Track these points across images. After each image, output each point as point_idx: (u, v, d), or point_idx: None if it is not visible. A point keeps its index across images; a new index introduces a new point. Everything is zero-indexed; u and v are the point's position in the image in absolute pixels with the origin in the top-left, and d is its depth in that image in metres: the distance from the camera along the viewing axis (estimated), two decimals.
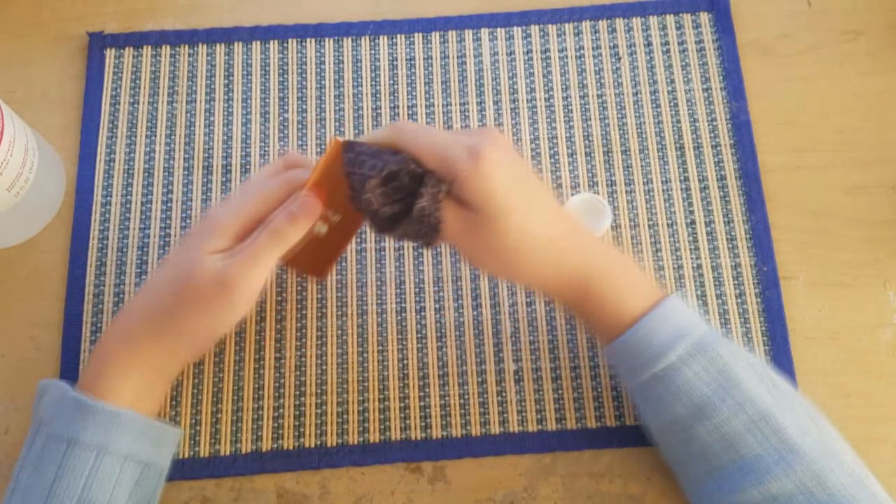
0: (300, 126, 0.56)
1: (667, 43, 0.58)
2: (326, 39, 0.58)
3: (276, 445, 0.49)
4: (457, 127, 0.56)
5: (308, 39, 0.58)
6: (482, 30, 0.58)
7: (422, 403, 0.50)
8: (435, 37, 0.58)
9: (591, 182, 0.54)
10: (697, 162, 0.55)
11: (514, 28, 0.58)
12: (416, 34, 0.58)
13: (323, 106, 0.57)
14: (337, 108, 0.57)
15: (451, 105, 0.56)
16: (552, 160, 0.55)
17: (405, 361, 0.51)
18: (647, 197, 0.54)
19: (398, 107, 0.56)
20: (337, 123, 0.56)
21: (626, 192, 0.54)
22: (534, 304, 0.52)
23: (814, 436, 0.39)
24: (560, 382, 0.50)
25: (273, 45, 0.58)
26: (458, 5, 0.59)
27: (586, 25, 0.58)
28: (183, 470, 0.48)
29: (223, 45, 0.58)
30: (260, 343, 0.51)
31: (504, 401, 0.50)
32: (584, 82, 0.57)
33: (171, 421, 0.49)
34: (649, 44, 0.58)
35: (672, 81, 0.57)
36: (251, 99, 0.57)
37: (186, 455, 0.49)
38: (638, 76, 0.57)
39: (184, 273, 0.42)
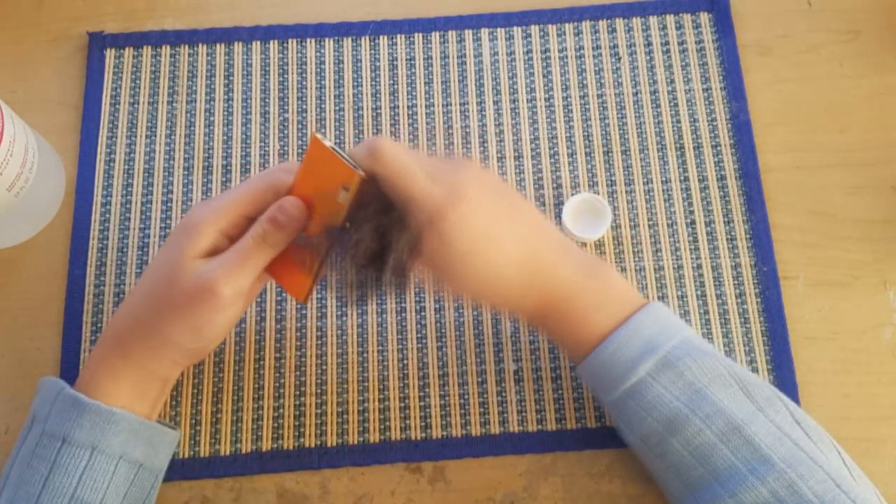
0: (300, 126, 0.56)
1: (667, 43, 0.58)
2: (326, 39, 0.58)
3: (276, 445, 0.49)
4: (457, 127, 0.56)
5: (308, 39, 0.58)
6: (482, 30, 0.58)
7: (422, 403, 0.50)
8: (435, 37, 0.58)
9: (591, 182, 0.54)
10: (697, 162, 0.55)
11: (514, 28, 0.58)
12: (416, 34, 0.58)
13: (323, 106, 0.57)
14: (337, 108, 0.57)
15: (451, 105, 0.56)
16: (552, 160, 0.55)
17: (405, 361, 0.51)
18: (647, 197, 0.54)
19: (398, 107, 0.56)
20: (337, 123, 0.56)
21: (626, 192, 0.54)
22: None
23: (786, 445, 0.39)
24: (560, 382, 0.50)
25: (273, 45, 0.58)
26: (458, 5, 0.59)
27: (586, 25, 0.58)
28: (183, 470, 0.48)
29: (223, 45, 0.58)
30: (260, 343, 0.51)
31: (504, 401, 0.50)
32: (584, 82, 0.57)
33: (170, 422, 0.49)
34: (649, 44, 0.58)
35: (672, 81, 0.57)
36: (251, 99, 0.57)
37: (186, 455, 0.49)
38: (638, 76, 0.57)
39: (166, 278, 0.41)
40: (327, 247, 0.42)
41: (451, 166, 0.41)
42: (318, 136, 0.41)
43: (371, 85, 0.57)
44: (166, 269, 0.41)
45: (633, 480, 0.48)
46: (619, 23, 0.58)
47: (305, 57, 0.58)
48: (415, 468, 0.49)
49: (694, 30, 0.58)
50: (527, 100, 0.56)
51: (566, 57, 0.58)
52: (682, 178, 0.54)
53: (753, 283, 0.52)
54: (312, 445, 0.49)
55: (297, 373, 0.50)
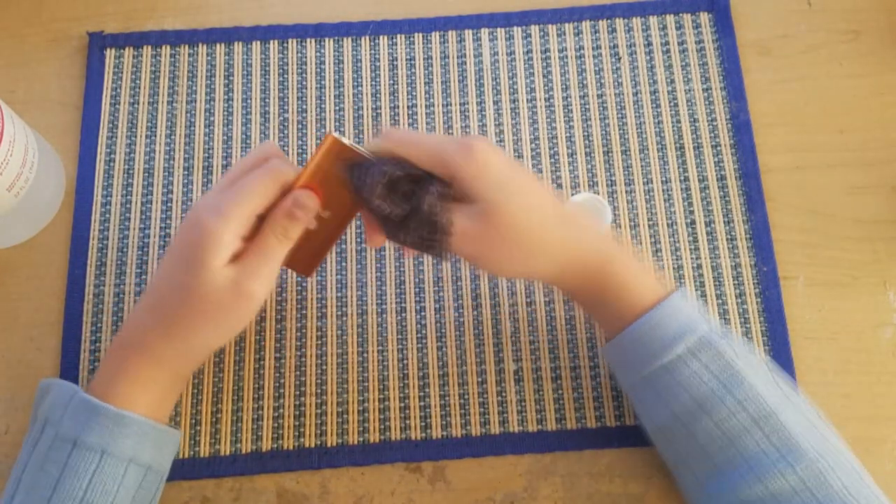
0: (300, 126, 0.56)
1: (667, 43, 0.58)
2: (326, 39, 0.58)
3: (276, 445, 0.49)
4: (457, 127, 0.56)
5: (308, 39, 0.58)
6: (482, 30, 0.58)
7: (422, 403, 0.50)
8: (435, 37, 0.58)
9: (591, 182, 0.54)
10: (697, 162, 0.55)
11: (514, 28, 0.58)
12: (416, 34, 0.58)
13: (323, 106, 0.57)
14: (337, 108, 0.57)
15: (451, 105, 0.56)
16: (552, 160, 0.55)
17: (405, 361, 0.51)
18: (647, 197, 0.54)
19: (398, 107, 0.56)
20: (337, 123, 0.56)
21: (626, 192, 0.54)
22: (534, 304, 0.52)
23: (815, 435, 0.39)
24: (560, 382, 0.50)
25: (273, 45, 0.58)
26: (458, 5, 0.59)
27: (586, 25, 0.58)
28: (183, 470, 0.48)
29: (223, 45, 0.58)
30: (260, 343, 0.51)
31: (504, 401, 0.50)
32: (584, 82, 0.57)
33: (171, 422, 0.49)
34: (649, 44, 0.58)
35: (672, 81, 0.57)
36: (251, 99, 0.57)
37: (186, 455, 0.49)
38: (638, 76, 0.57)
39: (199, 289, 0.41)
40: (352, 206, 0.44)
41: (454, 136, 0.44)
42: (336, 134, 0.42)
43: (371, 85, 0.57)
44: (192, 282, 0.41)
45: (634, 480, 0.48)
46: (619, 23, 0.58)
47: (305, 57, 0.58)
48: (415, 468, 0.49)
49: (694, 30, 0.58)
50: (527, 100, 0.56)
51: (566, 57, 0.58)
52: (682, 178, 0.54)
53: (753, 283, 0.52)
54: (312, 445, 0.49)
55: (297, 373, 0.50)
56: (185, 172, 0.55)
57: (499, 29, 0.58)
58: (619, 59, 0.57)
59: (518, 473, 0.48)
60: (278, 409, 0.50)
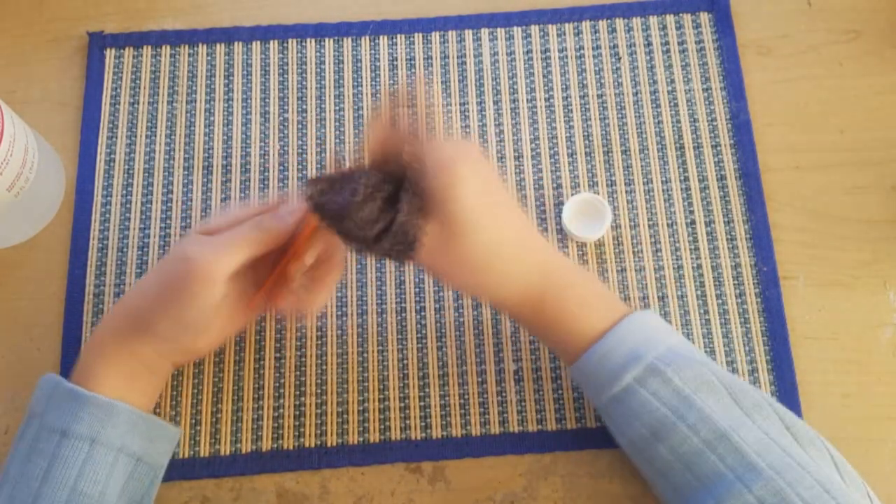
0: (300, 126, 0.56)
1: (667, 43, 0.58)
2: (326, 39, 0.58)
3: (276, 445, 0.49)
4: (457, 127, 0.56)
5: (308, 39, 0.58)
6: (482, 30, 0.58)
7: (422, 403, 0.50)
8: (435, 37, 0.58)
9: (591, 182, 0.54)
10: (697, 162, 0.55)
11: (514, 28, 0.58)
12: (416, 34, 0.58)
13: (323, 106, 0.57)
14: (337, 108, 0.57)
15: (451, 105, 0.56)
16: (552, 160, 0.55)
17: (405, 361, 0.51)
18: (647, 197, 0.54)
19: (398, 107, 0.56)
20: (337, 123, 0.56)
21: (626, 192, 0.54)
22: None
23: (774, 452, 0.38)
24: (560, 382, 0.50)
25: (273, 45, 0.58)
26: (458, 5, 0.59)
27: (586, 25, 0.58)
28: (183, 470, 0.48)
29: (223, 45, 0.58)
30: (260, 343, 0.51)
31: (504, 401, 0.50)
32: (584, 82, 0.57)
33: (170, 421, 0.49)
34: (649, 44, 0.58)
35: (672, 81, 0.57)
36: (251, 99, 0.57)
37: (186, 455, 0.49)
38: (638, 76, 0.57)
39: (185, 322, 0.42)
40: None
41: (445, 142, 0.43)
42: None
43: (371, 85, 0.57)
44: (179, 315, 0.42)
45: (633, 480, 0.48)
46: (619, 23, 0.58)
47: (305, 57, 0.58)
48: (415, 468, 0.49)
49: (694, 30, 0.58)
50: (527, 100, 0.56)
51: (566, 57, 0.58)
52: (682, 178, 0.54)
53: (753, 283, 0.52)
54: (312, 445, 0.49)
55: (297, 373, 0.50)
56: (185, 172, 0.55)
57: (499, 29, 0.58)
58: (619, 59, 0.57)
59: (518, 473, 0.48)
60: (278, 409, 0.50)
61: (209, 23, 0.59)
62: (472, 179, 0.41)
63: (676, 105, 0.56)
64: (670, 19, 0.58)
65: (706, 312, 0.51)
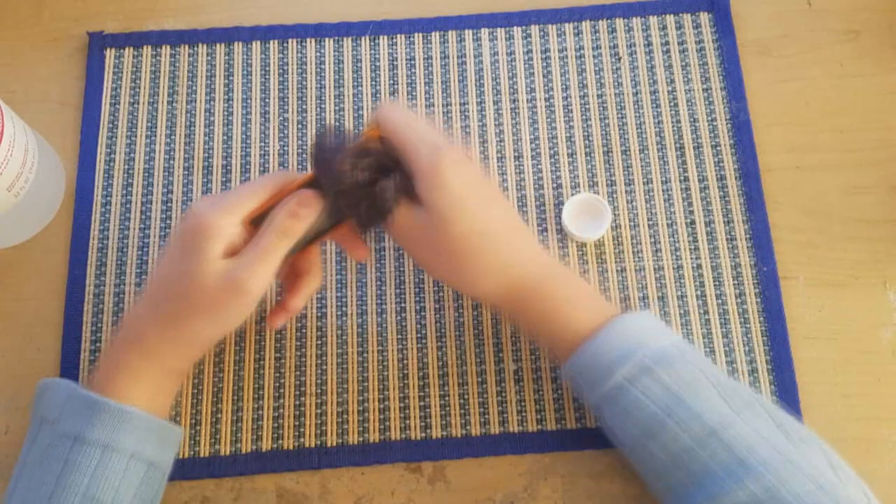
0: (300, 126, 0.56)
1: (667, 43, 0.58)
2: (326, 39, 0.58)
3: (276, 445, 0.49)
4: (457, 127, 0.56)
5: (308, 39, 0.58)
6: (482, 30, 0.58)
7: (422, 403, 0.50)
8: (435, 37, 0.58)
9: (591, 182, 0.54)
10: (697, 162, 0.55)
11: (514, 28, 0.58)
12: (416, 34, 0.58)
13: (323, 106, 0.57)
14: (337, 108, 0.57)
15: (451, 105, 0.56)
16: (552, 160, 0.55)
17: (405, 361, 0.51)
18: (647, 197, 0.54)
19: None
20: (337, 123, 0.56)
21: (626, 192, 0.54)
22: None
23: (765, 448, 0.38)
24: (560, 382, 0.50)
25: (273, 45, 0.58)
26: (458, 5, 0.59)
27: (586, 25, 0.58)
28: (183, 470, 0.48)
29: (223, 45, 0.58)
30: (260, 343, 0.51)
31: (504, 401, 0.50)
32: (584, 82, 0.57)
33: (172, 421, 0.49)
34: (649, 44, 0.58)
35: (672, 81, 0.57)
36: (251, 99, 0.57)
37: (186, 455, 0.49)
38: (638, 76, 0.57)
39: (190, 281, 0.42)
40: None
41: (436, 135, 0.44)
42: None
43: (371, 85, 0.57)
44: (194, 272, 0.41)
45: (633, 480, 0.48)
46: (619, 23, 0.58)
47: (305, 57, 0.58)
48: (415, 468, 0.49)
49: (694, 30, 0.58)
50: (527, 100, 0.56)
51: (566, 57, 0.58)
52: (682, 178, 0.54)
53: (753, 283, 0.52)
54: (312, 445, 0.49)
55: (297, 373, 0.50)
56: (185, 172, 0.55)
57: (499, 29, 0.58)
58: (619, 59, 0.57)
59: (518, 473, 0.48)
60: (278, 409, 0.50)
61: (209, 23, 0.59)
62: (462, 170, 0.41)
63: (676, 105, 0.56)
64: (670, 19, 0.58)
65: (706, 313, 0.51)
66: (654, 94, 0.56)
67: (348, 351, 0.51)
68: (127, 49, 0.58)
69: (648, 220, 0.53)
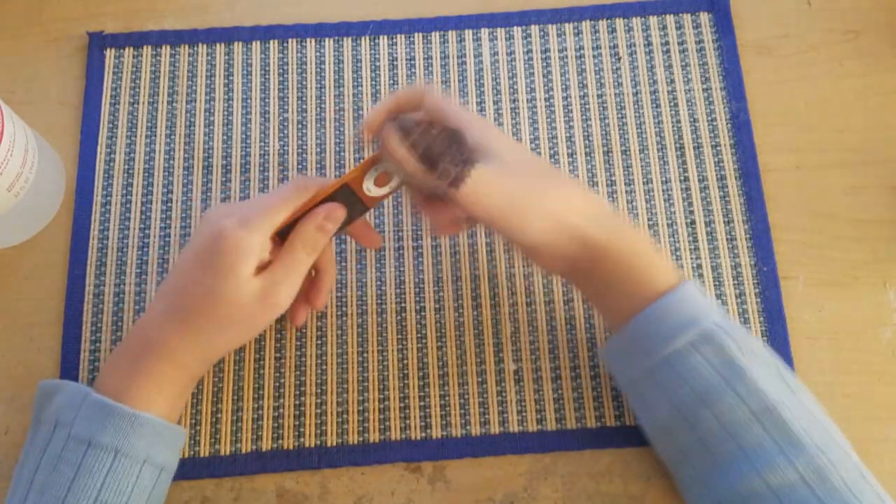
0: (300, 126, 0.56)
1: (667, 43, 0.58)
2: (326, 39, 0.58)
3: (276, 445, 0.49)
4: None
5: (308, 39, 0.58)
6: (482, 30, 0.58)
7: (422, 403, 0.50)
8: (435, 37, 0.58)
9: (591, 182, 0.54)
10: (697, 162, 0.55)
11: (514, 28, 0.58)
12: (416, 34, 0.58)
13: (323, 106, 0.57)
14: (337, 108, 0.57)
15: None
16: (552, 160, 0.55)
17: (405, 361, 0.51)
18: (647, 197, 0.54)
19: None
20: (337, 123, 0.56)
21: (626, 192, 0.54)
22: (534, 304, 0.52)
23: (818, 431, 0.39)
24: (560, 382, 0.50)
25: (273, 45, 0.58)
26: (458, 5, 0.59)
27: (586, 25, 0.58)
28: (183, 470, 0.48)
29: (223, 45, 0.58)
30: (260, 343, 0.51)
31: (504, 401, 0.50)
32: (584, 82, 0.57)
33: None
34: (649, 44, 0.58)
35: (672, 81, 0.57)
36: (251, 99, 0.57)
37: (186, 455, 0.49)
38: (638, 76, 0.57)
39: (227, 297, 0.42)
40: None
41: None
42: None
43: (371, 85, 0.57)
44: (220, 291, 0.42)
45: (634, 480, 0.48)
46: (619, 23, 0.58)
47: (305, 57, 0.58)
48: (415, 468, 0.49)
49: (694, 30, 0.58)
50: (527, 100, 0.56)
51: (566, 57, 0.58)
52: (682, 178, 0.54)
53: (753, 283, 0.52)
54: (312, 445, 0.49)
55: (297, 373, 0.50)
56: (185, 172, 0.55)
57: (499, 29, 0.58)
58: (619, 59, 0.57)
59: (518, 473, 0.48)
60: (278, 409, 0.50)
61: (209, 23, 0.59)
62: (505, 139, 0.45)
63: (676, 105, 0.56)
64: (670, 19, 0.58)
65: None
66: (653, 94, 0.56)
67: (348, 351, 0.51)
68: (127, 49, 0.58)
69: (648, 219, 0.53)
